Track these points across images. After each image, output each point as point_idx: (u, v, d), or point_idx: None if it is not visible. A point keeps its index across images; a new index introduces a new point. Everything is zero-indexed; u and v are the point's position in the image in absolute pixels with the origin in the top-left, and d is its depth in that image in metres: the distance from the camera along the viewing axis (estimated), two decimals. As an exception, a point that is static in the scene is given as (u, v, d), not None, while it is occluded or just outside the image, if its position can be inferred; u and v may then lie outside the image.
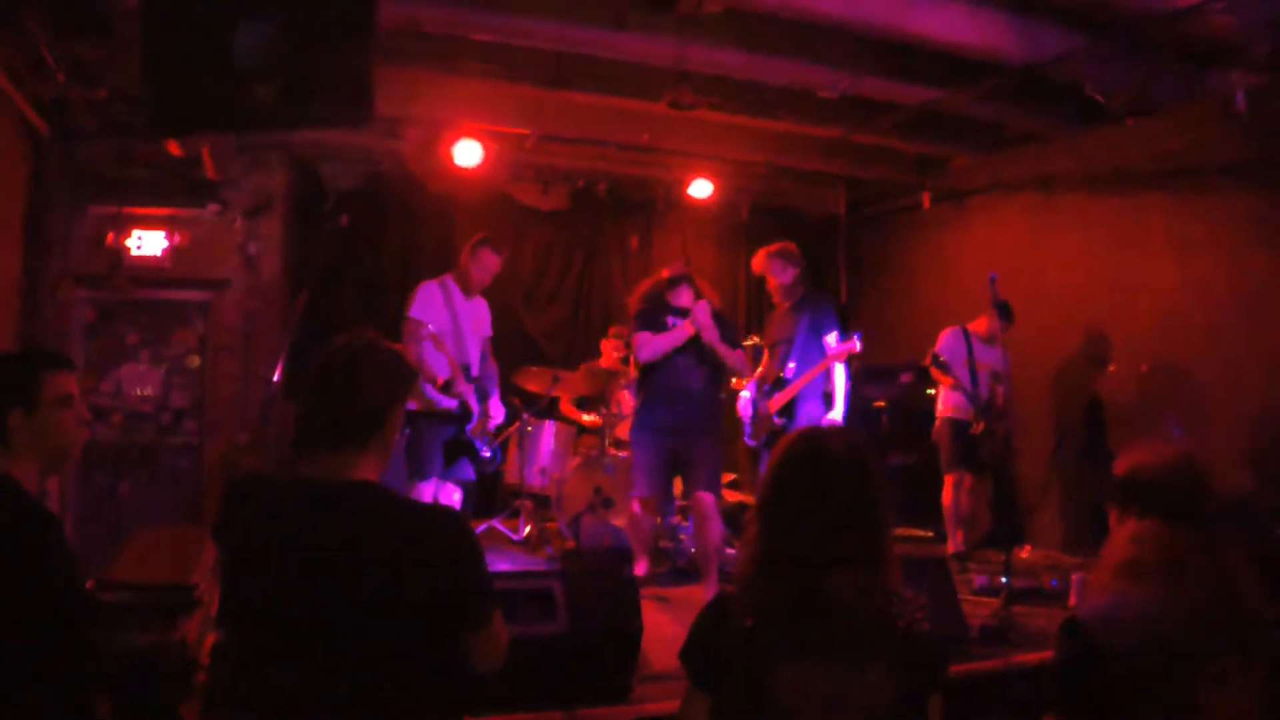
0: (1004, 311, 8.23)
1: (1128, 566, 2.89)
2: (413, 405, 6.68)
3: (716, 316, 7.30)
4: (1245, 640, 2.77)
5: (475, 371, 7.46)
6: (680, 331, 7.15)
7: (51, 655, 2.93)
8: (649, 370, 7.31)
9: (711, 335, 7.10)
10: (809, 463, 2.63)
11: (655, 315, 7.32)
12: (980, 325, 8.69)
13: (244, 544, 2.69)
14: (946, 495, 8.70)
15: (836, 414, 7.62)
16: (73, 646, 3.01)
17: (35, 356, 3.41)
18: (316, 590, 2.55)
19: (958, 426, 8.60)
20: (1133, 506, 3.06)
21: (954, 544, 8.62)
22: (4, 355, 3.65)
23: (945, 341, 8.73)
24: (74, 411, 3.30)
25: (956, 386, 8.45)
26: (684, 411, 7.14)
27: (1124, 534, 2.98)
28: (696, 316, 7.11)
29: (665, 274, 7.50)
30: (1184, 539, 2.84)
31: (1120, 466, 3.19)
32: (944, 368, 8.55)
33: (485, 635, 2.75)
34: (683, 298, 7.34)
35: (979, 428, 8.14)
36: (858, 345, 7.35)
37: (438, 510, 2.96)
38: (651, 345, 7.20)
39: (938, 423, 8.91)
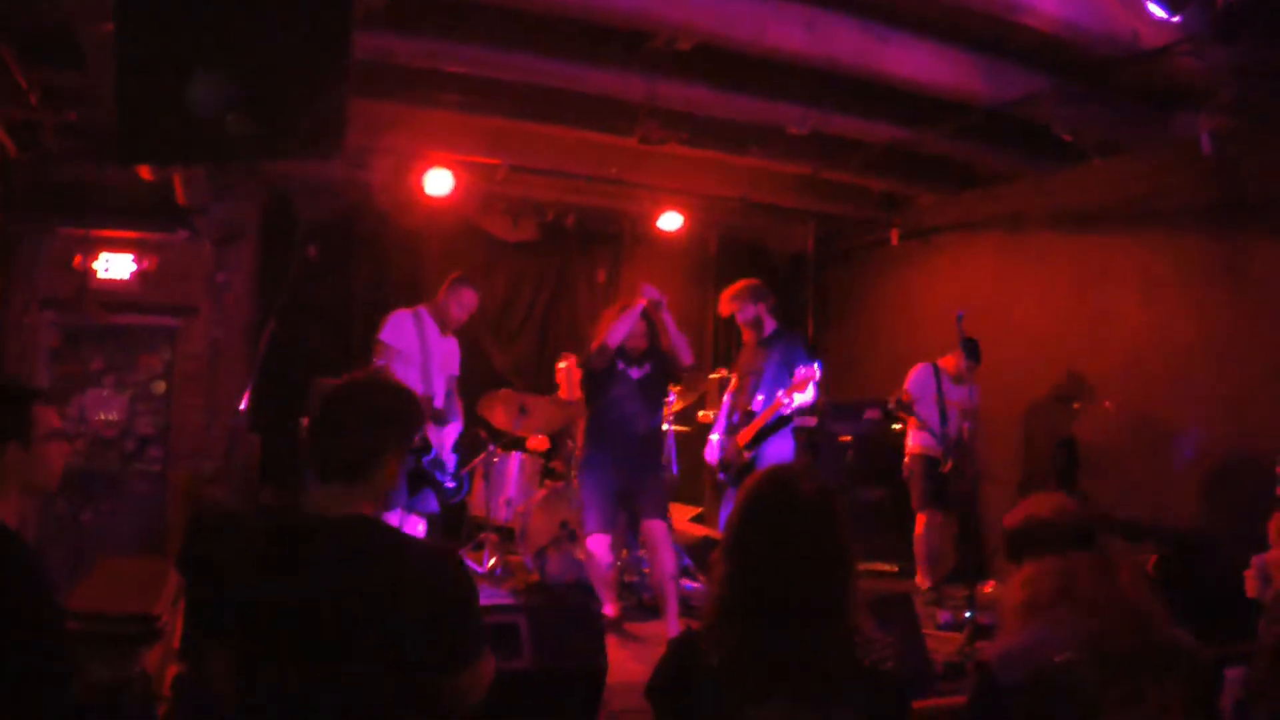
0: (970, 350, 8.26)
1: (1022, 607, 2.99)
2: None
3: (660, 356, 7.48)
4: (1156, 664, 2.83)
5: (439, 404, 7.46)
6: (634, 308, 7.27)
7: (27, 689, 2.91)
8: (595, 412, 7.48)
9: (663, 304, 7.27)
10: (775, 503, 2.64)
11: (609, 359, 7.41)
12: (949, 363, 8.68)
13: (234, 576, 2.72)
14: (918, 533, 8.70)
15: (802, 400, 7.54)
16: (49, 681, 2.99)
17: (24, 389, 3.40)
18: (305, 622, 2.57)
19: (928, 463, 8.56)
20: (1025, 552, 3.13)
21: (927, 581, 8.64)
22: None
23: (915, 377, 8.75)
24: (59, 444, 3.31)
25: (922, 426, 8.47)
26: (627, 452, 7.30)
27: (1016, 581, 3.08)
28: (645, 290, 7.27)
29: (619, 305, 7.57)
30: (1072, 566, 2.94)
31: (1010, 521, 3.27)
32: (907, 408, 8.56)
33: (473, 671, 2.76)
34: (634, 328, 7.42)
35: (948, 466, 8.14)
36: (817, 372, 7.35)
37: (431, 547, 2.97)
38: (611, 331, 7.28)
39: (908, 459, 8.89)
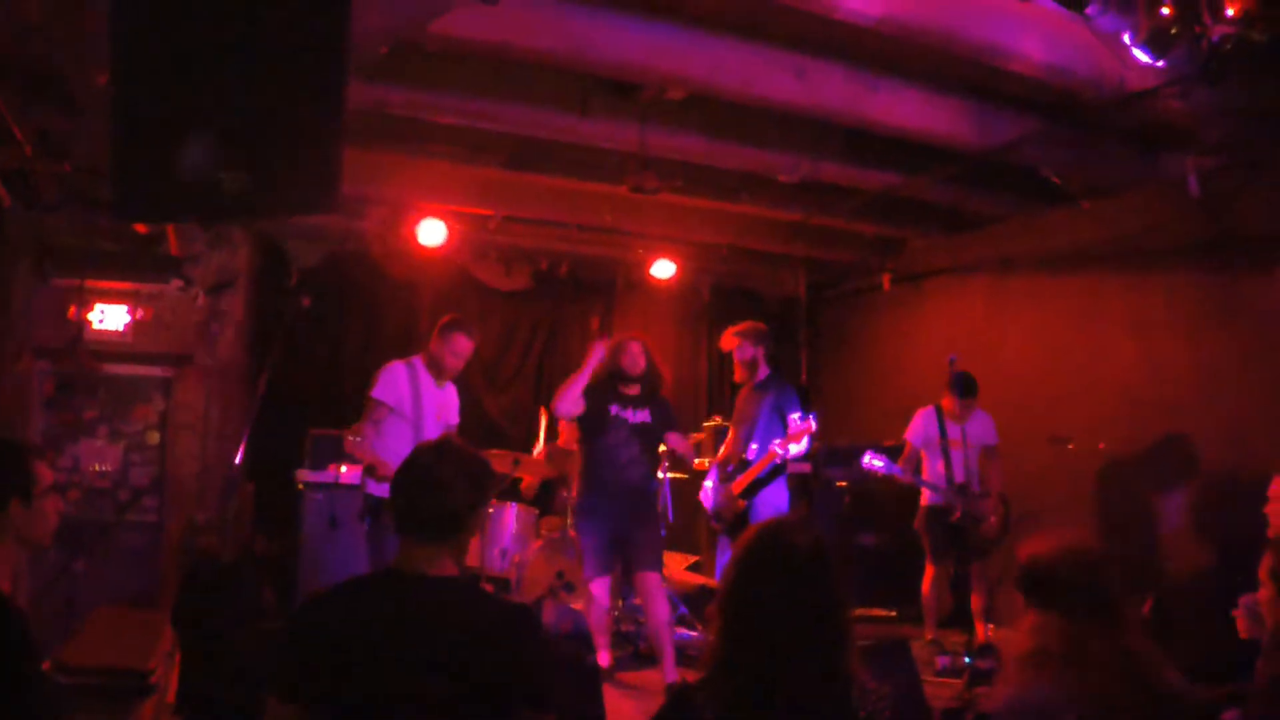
0: (956, 385, 8.19)
1: (1030, 657, 2.95)
2: (373, 489, 6.59)
3: (662, 404, 7.48)
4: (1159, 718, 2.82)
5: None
6: (587, 367, 7.23)
7: None
8: (588, 457, 7.36)
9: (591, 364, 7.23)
10: (770, 557, 2.64)
11: (598, 400, 7.34)
12: (947, 403, 8.43)
13: (330, 627, 2.85)
14: (925, 586, 8.52)
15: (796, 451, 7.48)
16: None
17: (25, 447, 3.45)
18: (396, 675, 2.74)
19: (933, 515, 8.35)
20: (1033, 595, 3.09)
21: (930, 631, 8.48)
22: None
23: (915, 423, 8.50)
24: (54, 499, 3.32)
25: (924, 483, 8.30)
26: (622, 504, 7.19)
27: (1025, 625, 3.05)
28: (594, 349, 7.25)
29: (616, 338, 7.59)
30: (1083, 628, 2.89)
31: (1022, 554, 3.23)
32: (914, 470, 8.40)
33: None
34: (632, 347, 7.43)
35: (957, 515, 7.97)
36: (814, 425, 7.32)
37: (516, 606, 3.22)
38: (563, 396, 7.25)
39: (920, 511, 8.62)
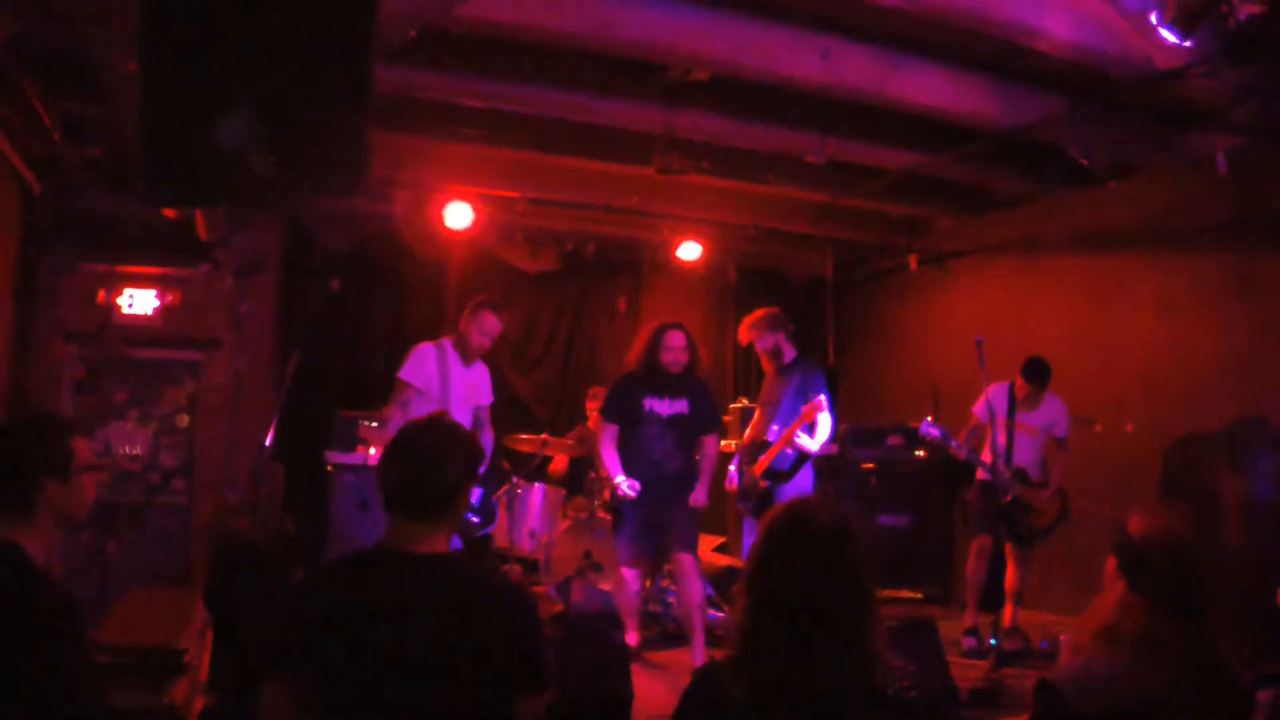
0: (1028, 372, 8.09)
1: (1108, 632, 2.92)
2: None
3: (700, 392, 7.47)
4: (1219, 712, 2.81)
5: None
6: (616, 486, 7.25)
7: None
8: (624, 449, 7.35)
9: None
10: (794, 536, 2.65)
11: (631, 395, 7.37)
12: (1019, 385, 8.23)
13: (323, 605, 2.88)
14: (969, 562, 8.29)
15: (819, 439, 7.48)
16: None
17: (62, 422, 3.43)
18: (387, 650, 2.76)
19: (988, 490, 8.09)
20: (1129, 573, 3.03)
21: (971, 616, 8.22)
22: (31, 421, 3.59)
23: (987, 397, 7.98)
24: (91, 476, 3.32)
25: (978, 462, 8.06)
26: (659, 487, 7.21)
27: (1112, 597, 3.01)
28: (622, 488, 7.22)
29: (655, 324, 7.48)
30: (1167, 622, 2.87)
31: (1134, 525, 3.09)
32: (975, 453, 8.12)
33: (541, 695, 2.93)
34: (674, 341, 7.28)
35: (1008, 498, 7.79)
36: (823, 402, 7.30)
37: (510, 583, 3.28)
38: (604, 460, 7.40)
39: (975, 483, 8.43)
